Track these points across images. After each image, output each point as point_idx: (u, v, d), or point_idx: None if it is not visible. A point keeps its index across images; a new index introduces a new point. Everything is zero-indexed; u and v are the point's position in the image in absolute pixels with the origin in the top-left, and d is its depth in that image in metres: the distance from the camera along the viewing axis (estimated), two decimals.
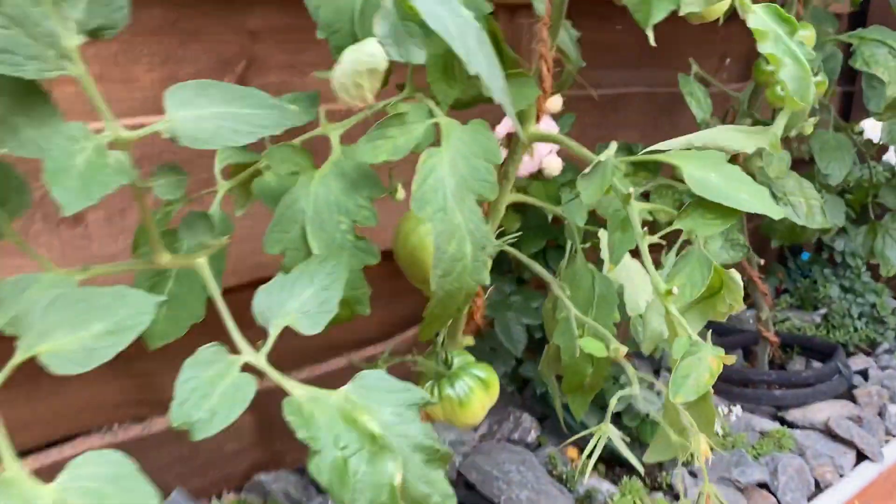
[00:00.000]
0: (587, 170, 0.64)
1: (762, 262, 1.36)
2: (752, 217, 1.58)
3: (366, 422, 0.40)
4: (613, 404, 0.65)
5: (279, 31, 1.02)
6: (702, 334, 0.64)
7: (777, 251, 1.88)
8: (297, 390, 0.43)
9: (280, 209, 0.58)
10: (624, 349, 0.68)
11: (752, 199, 0.66)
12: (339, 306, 0.59)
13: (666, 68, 1.42)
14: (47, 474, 0.93)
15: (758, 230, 1.56)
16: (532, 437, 1.20)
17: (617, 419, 1.22)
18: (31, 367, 0.94)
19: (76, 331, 0.41)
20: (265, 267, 1.06)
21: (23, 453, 0.94)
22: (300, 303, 0.45)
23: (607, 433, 0.61)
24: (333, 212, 0.59)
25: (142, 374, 1.00)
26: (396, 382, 0.43)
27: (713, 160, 0.67)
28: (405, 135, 0.59)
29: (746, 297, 1.76)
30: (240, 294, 1.06)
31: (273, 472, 1.08)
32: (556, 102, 1.14)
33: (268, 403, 1.11)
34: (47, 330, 0.42)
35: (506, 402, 1.29)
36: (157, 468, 1.00)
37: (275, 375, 0.44)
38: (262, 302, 0.45)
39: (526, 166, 1.13)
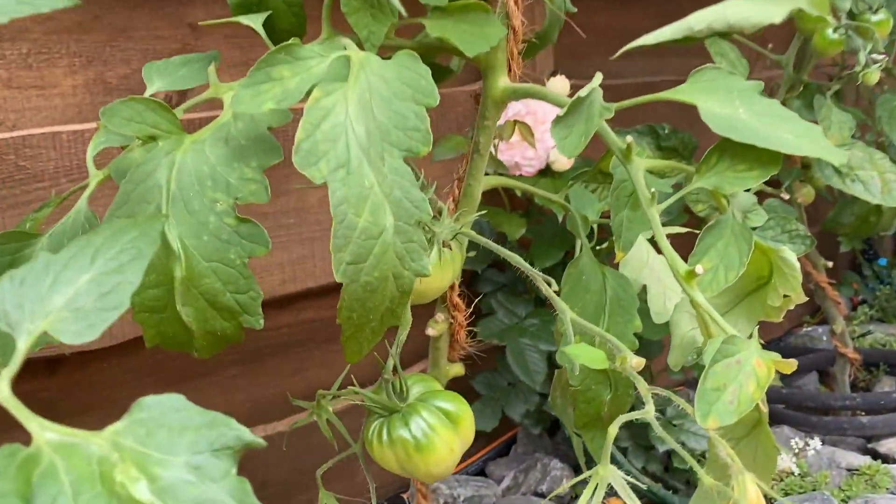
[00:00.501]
0: (562, 111, 0.47)
1: (830, 264, 1.14)
2: (813, 220, 1.36)
3: (128, 484, 0.23)
4: (614, 433, 0.46)
5: (226, 25, 0.88)
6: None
7: (849, 258, 1.65)
8: (47, 434, 0.26)
9: (126, 185, 0.42)
10: (640, 361, 0.49)
11: (797, 139, 0.47)
12: (221, 315, 0.43)
13: (697, 56, 1.24)
14: None
15: (822, 234, 1.33)
16: (564, 487, 0.99)
17: (667, 460, 1.01)
18: None
19: None
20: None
21: None
22: (71, 295, 0.29)
23: (607, 478, 0.42)
24: (206, 188, 0.42)
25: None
26: (198, 414, 0.26)
27: (741, 91, 0.49)
28: (300, 74, 0.43)
29: (816, 311, 1.53)
30: None
31: None
32: (561, 85, 0.97)
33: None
34: None
35: (533, 446, 1.09)
36: None
37: (21, 413, 0.27)
38: (9, 296, 0.28)
39: (532, 162, 0.96)
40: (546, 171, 0.96)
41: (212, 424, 0.25)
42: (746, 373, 0.40)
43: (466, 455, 1.16)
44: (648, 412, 0.43)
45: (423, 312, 0.69)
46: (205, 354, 0.43)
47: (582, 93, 0.47)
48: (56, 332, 0.28)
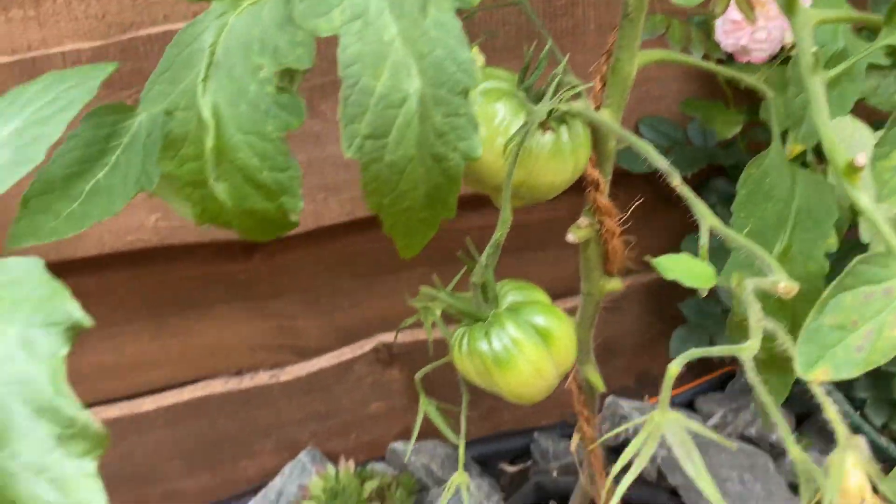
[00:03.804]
0: None
1: None
2: None
3: None
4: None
5: None
6: None
7: None
8: None
9: (172, 49, 0.39)
10: (790, 285, 0.37)
11: None
12: (258, 194, 0.39)
13: None
14: (166, 416, 0.86)
15: None
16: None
17: None
18: (158, 304, 0.88)
19: None
20: None
21: (145, 393, 0.90)
22: None
23: (661, 426, 0.31)
24: (253, 52, 0.38)
25: (279, 315, 0.89)
26: (44, 283, 0.22)
27: None
28: None
29: None
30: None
31: (419, 441, 0.90)
32: None
33: (419, 358, 0.91)
34: None
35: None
36: (288, 422, 0.88)
37: None
38: None
39: (763, 45, 0.79)
40: (780, 57, 0.78)
41: (52, 296, 0.22)
42: None
43: (674, 385, 1.05)
44: (747, 349, 0.32)
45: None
46: (250, 236, 0.41)
47: None
48: None
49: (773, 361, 0.53)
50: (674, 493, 0.82)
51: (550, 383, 0.44)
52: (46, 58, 0.73)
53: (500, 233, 0.46)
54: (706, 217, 0.42)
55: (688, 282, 0.36)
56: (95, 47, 0.74)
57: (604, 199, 0.55)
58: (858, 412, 0.83)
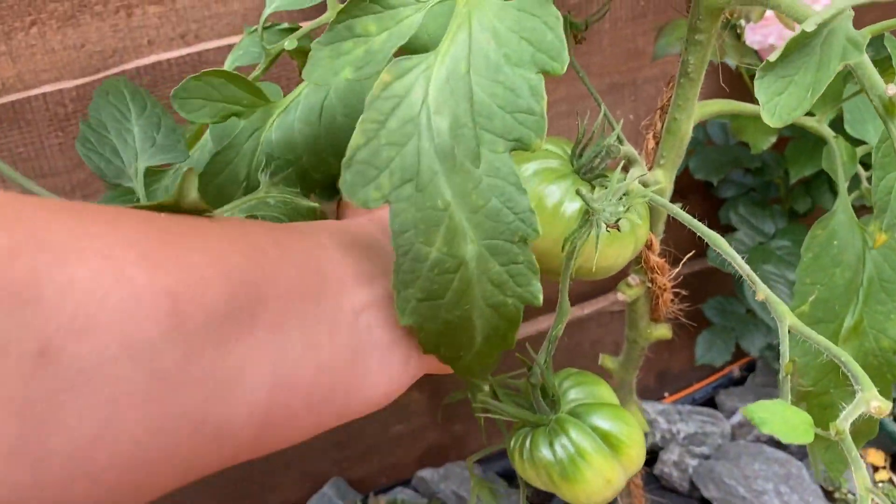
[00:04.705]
0: (777, 53, 0.31)
1: None
2: None
3: None
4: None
5: None
6: None
7: None
8: None
9: (213, 167, 0.34)
10: (883, 405, 0.34)
11: None
12: None
13: None
14: None
15: None
16: None
17: None
18: None
19: None
20: None
21: None
22: None
23: None
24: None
25: None
26: None
27: None
28: (388, 28, 0.31)
29: None
30: None
31: (443, 466, 0.88)
32: None
33: (441, 378, 0.89)
34: None
35: (775, 378, 0.94)
36: (308, 453, 0.86)
37: None
38: None
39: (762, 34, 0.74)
40: None
41: None
42: None
43: (695, 380, 1.03)
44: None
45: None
46: None
47: (810, 24, 0.29)
48: None
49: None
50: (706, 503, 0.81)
51: (618, 488, 0.41)
52: (27, 101, 0.67)
53: (557, 327, 0.42)
54: (785, 317, 0.39)
55: (786, 438, 0.33)
56: (80, 85, 0.68)
57: (656, 257, 0.52)
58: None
